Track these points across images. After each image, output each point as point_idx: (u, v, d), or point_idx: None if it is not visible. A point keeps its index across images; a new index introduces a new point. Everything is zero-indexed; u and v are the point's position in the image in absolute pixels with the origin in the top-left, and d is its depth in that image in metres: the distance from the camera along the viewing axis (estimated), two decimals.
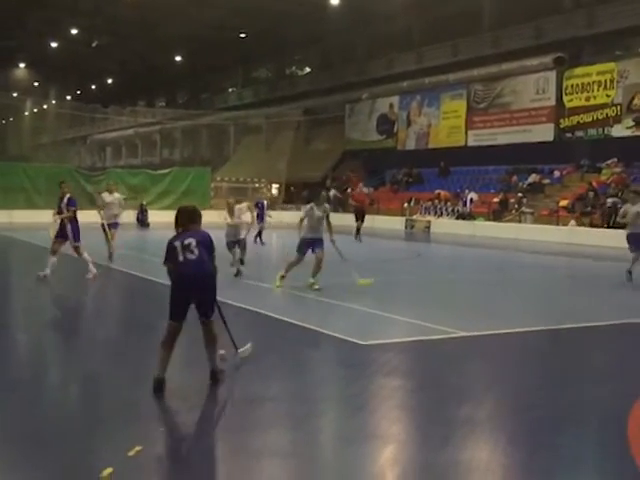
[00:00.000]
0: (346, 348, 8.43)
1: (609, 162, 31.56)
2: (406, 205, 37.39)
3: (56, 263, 13.31)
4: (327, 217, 12.89)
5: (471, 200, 34.52)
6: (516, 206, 32.22)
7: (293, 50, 53.39)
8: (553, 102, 35.34)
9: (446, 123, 41.39)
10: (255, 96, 57.37)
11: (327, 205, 13.06)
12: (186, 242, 6.45)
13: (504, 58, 36.27)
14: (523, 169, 35.21)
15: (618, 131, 32.44)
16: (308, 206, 12.84)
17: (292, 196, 46.77)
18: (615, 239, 25.27)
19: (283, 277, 12.69)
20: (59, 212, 13.51)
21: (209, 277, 6.52)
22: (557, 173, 33.94)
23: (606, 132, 32.98)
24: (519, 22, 36.06)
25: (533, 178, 34.25)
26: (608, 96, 32.89)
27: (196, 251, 6.43)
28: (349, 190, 43.37)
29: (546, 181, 34.00)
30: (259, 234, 22.79)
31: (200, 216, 6.80)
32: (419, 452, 5.39)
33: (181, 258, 6.43)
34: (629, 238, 14.38)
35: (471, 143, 39.57)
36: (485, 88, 39.07)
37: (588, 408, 6.45)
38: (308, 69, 55.82)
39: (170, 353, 6.42)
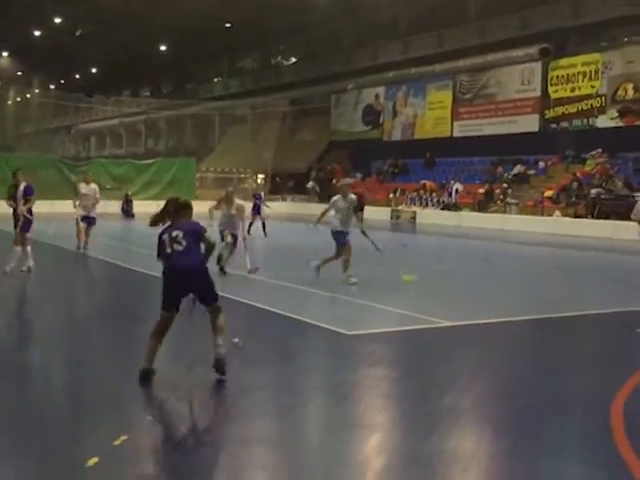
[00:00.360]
0: (332, 338, 8.45)
1: (593, 153, 31.70)
2: (392, 196, 37.43)
3: (30, 252, 13.04)
4: (355, 209, 12.85)
5: (456, 191, 34.60)
6: (501, 197, 32.33)
7: (278, 40, 53.24)
8: (538, 93, 35.45)
9: (432, 114, 41.43)
10: (241, 86, 57.16)
11: (353, 196, 12.96)
12: (173, 234, 6.46)
13: (489, 49, 36.35)
14: (508, 160, 35.29)
15: (602, 122, 32.58)
16: (335, 197, 12.69)
17: (278, 187, 46.72)
18: (599, 229, 25.50)
19: (350, 276, 12.24)
20: (14, 202, 12.85)
21: (198, 268, 6.50)
22: (542, 164, 34.07)
23: (591, 123, 33.12)
24: (505, 12, 36.11)
25: (518, 169, 34.36)
26: (593, 87, 33.02)
27: (184, 242, 6.43)
28: (334, 181, 43.35)
29: (531, 172, 34.13)
30: (262, 226, 22.78)
31: (190, 208, 6.81)
32: (404, 441, 5.41)
33: (169, 250, 6.45)
34: None
35: (457, 134, 39.63)
36: (471, 79, 39.12)
37: (573, 397, 6.50)
38: (294, 59, 55.65)
39: (159, 344, 6.42)
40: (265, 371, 7.08)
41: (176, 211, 6.65)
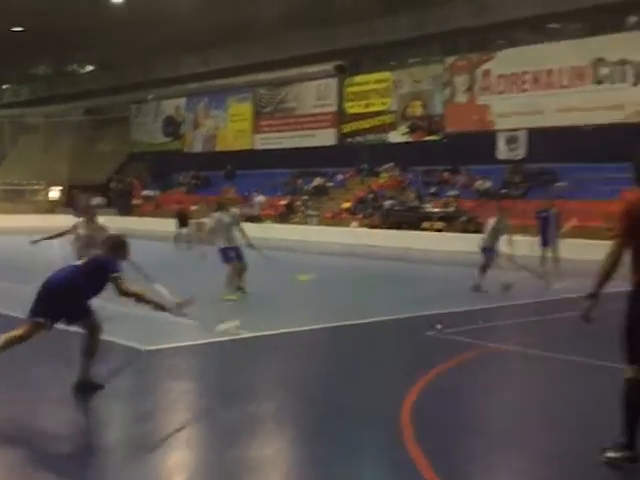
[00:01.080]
0: (130, 354, 8.24)
1: (386, 166, 33.41)
2: (194, 208, 37.09)
3: None
4: (238, 223, 13.11)
5: (259, 203, 35.02)
6: (302, 208, 33.17)
7: (74, 47, 51.15)
8: (335, 108, 36.88)
9: (233, 126, 41.77)
10: (32, 93, 54.36)
11: (235, 210, 13.35)
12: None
13: (287, 64, 37.21)
14: (308, 172, 36.30)
15: (394, 137, 34.50)
16: (216, 214, 12.88)
17: (74, 199, 44.89)
18: (393, 239, 26.85)
19: (240, 288, 12.59)
20: None
21: (55, 284, 6.42)
22: (340, 177, 35.35)
23: (383, 138, 34.92)
24: (302, 29, 37.08)
25: (317, 181, 35.45)
26: (384, 104, 34.86)
27: (78, 262, 6.77)
28: (133, 194, 42.47)
29: (330, 184, 35.32)
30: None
31: (119, 245, 6.88)
32: (208, 453, 5.44)
33: None
34: (483, 251, 14.18)
35: (258, 146, 40.21)
36: (270, 92, 39.92)
37: (367, 400, 6.79)
38: (90, 67, 53.79)
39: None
40: (59, 389, 6.77)
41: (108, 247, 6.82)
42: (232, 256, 12.78)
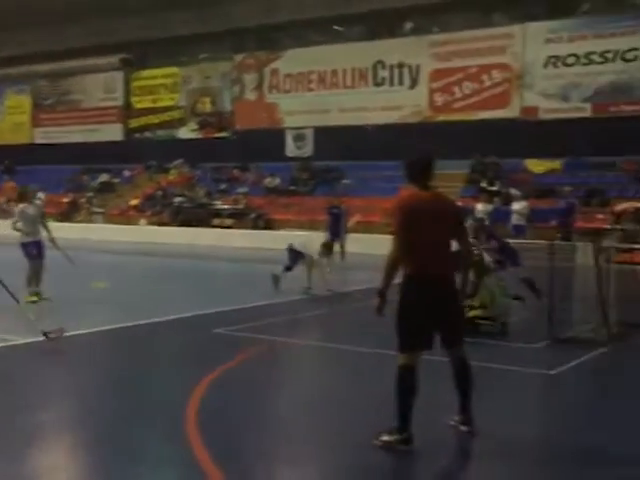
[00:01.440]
0: None
1: (176, 163, 33.00)
2: None
3: None
4: (43, 216, 12.51)
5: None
6: (87, 206, 31.89)
7: None
8: (121, 102, 35.90)
9: (10, 119, 39.46)
10: None
11: (39, 201, 12.18)
12: None
13: (70, 55, 35.63)
14: (94, 169, 35.00)
15: (184, 133, 34.19)
16: (20, 206, 12.16)
17: None
18: (182, 236, 26.54)
19: (36, 293, 11.78)
20: None
21: None
22: (127, 173, 34.43)
23: (173, 134, 34.47)
24: (85, 19, 35.53)
25: (103, 178, 34.29)
26: (173, 99, 34.44)
27: None
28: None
29: (116, 181, 34.28)
30: None
31: None
32: None
33: None
34: (290, 251, 13.89)
35: (39, 141, 38.24)
36: (52, 84, 38.08)
37: (154, 401, 6.66)
38: None
39: None
40: None
41: None
42: (34, 253, 12.10)
